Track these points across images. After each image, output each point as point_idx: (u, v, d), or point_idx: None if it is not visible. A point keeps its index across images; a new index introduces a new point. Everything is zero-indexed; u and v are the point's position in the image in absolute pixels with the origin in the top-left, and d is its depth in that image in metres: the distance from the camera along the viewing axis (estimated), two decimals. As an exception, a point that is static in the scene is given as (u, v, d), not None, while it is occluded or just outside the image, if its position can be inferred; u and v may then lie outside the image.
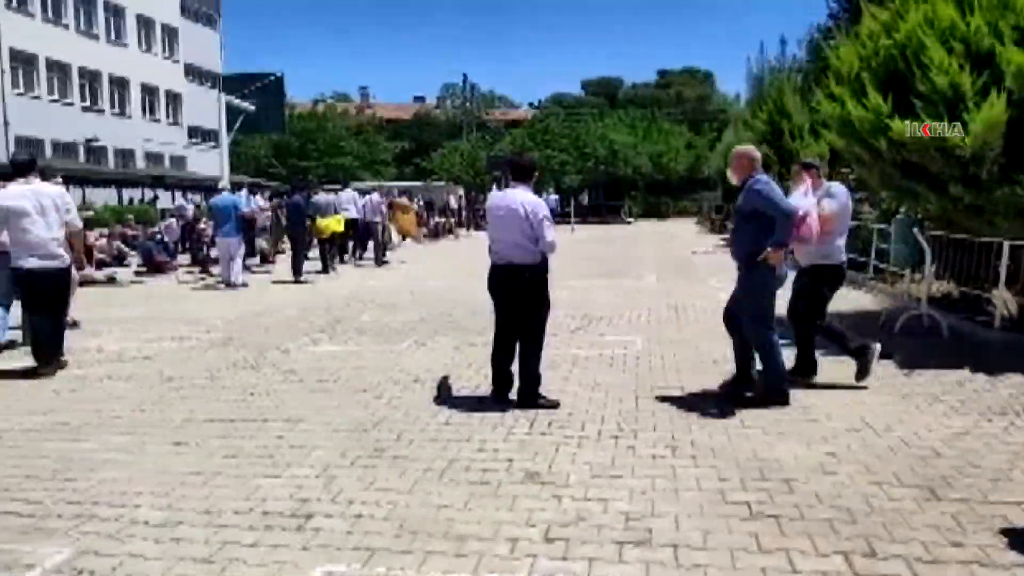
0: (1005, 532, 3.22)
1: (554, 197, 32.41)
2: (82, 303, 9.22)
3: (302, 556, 3.08)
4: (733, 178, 5.36)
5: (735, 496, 3.64)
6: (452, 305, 9.93)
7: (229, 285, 12.47)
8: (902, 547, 3.11)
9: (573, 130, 47.29)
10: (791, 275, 5.57)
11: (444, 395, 5.54)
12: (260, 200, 17.86)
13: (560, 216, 29.61)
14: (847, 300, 10.21)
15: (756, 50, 54.95)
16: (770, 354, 5.15)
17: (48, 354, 6.40)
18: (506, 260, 5.10)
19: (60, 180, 6.98)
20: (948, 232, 7.94)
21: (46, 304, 6.40)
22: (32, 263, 6.31)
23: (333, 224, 14.71)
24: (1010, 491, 3.65)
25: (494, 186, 30.71)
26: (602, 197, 43.50)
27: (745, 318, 5.27)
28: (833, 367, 5.89)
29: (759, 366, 5.29)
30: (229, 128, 12.80)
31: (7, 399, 5.54)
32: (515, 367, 5.27)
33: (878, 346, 5.54)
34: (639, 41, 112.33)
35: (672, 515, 3.44)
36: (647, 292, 11.21)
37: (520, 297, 5.11)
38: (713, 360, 6.55)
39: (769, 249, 4.96)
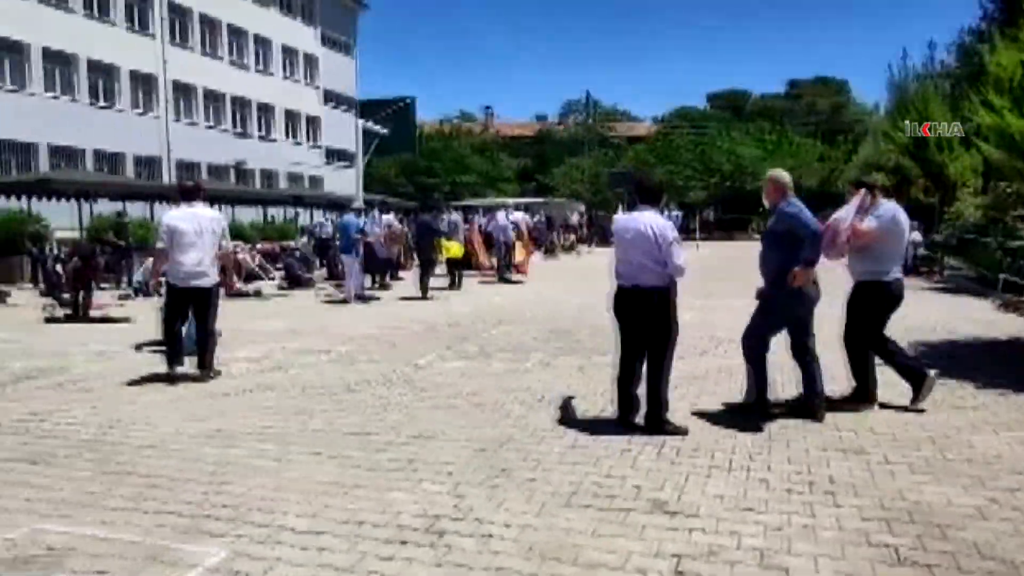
0: None
1: (677, 213, 31.75)
2: (231, 315, 9.94)
3: (435, 572, 3.18)
4: (765, 202, 5.52)
5: (880, 539, 3.43)
6: (575, 323, 9.94)
7: (353, 299, 13.19)
8: (1077, 608, 2.83)
9: (698, 144, 46.32)
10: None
11: (569, 416, 5.55)
12: (390, 218, 18.58)
13: (685, 233, 29.09)
14: (1003, 325, 9.41)
15: (897, 56, 51.65)
16: (759, 371, 5.49)
17: (201, 363, 6.96)
18: (633, 283, 5.07)
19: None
20: None
21: (196, 317, 6.97)
22: (186, 281, 6.92)
23: (454, 250, 15.31)
24: None
25: (619, 206, 30.60)
26: (728, 213, 42.25)
27: (751, 327, 5.54)
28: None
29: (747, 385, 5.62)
30: (364, 151, 13.51)
31: (170, 406, 6.05)
32: (641, 390, 5.22)
33: (933, 374, 5.61)
34: (767, 51, 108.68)
35: (810, 555, 3.29)
36: (778, 314, 10.78)
37: (647, 321, 5.06)
38: (852, 386, 6.21)
39: (797, 268, 5.07)
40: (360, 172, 15.16)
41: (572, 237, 31.53)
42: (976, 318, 10.07)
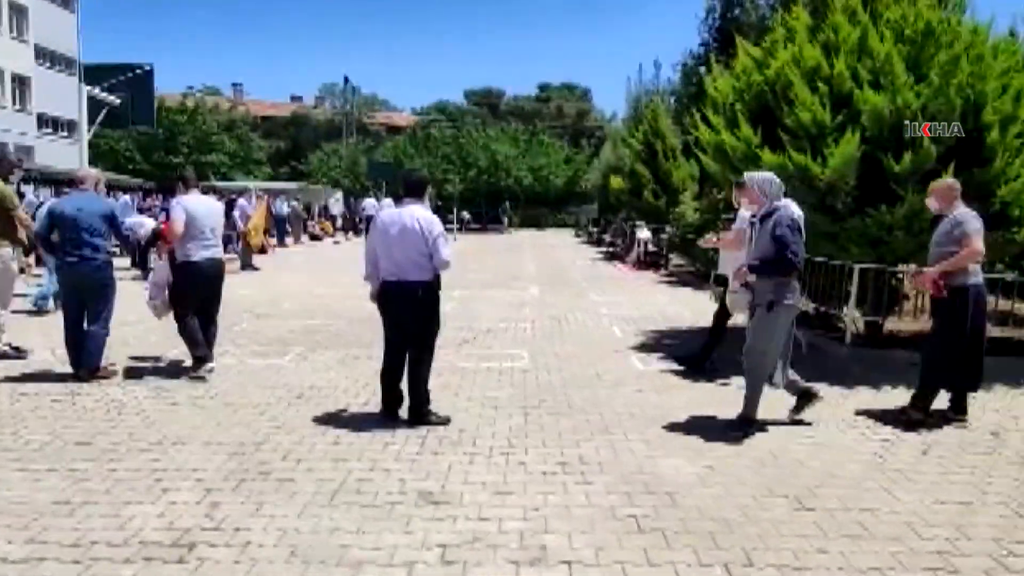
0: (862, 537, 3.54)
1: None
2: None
3: (186, 590, 2.92)
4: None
5: (624, 511, 3.78)
6: (334, 315, 9.70)
7: None
8: (775, 555, 3.34)
9: (456, 139, 47.45)
10: None
11: (330, 412, 5.40)
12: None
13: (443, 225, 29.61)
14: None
15: (635, 70, 57.52)
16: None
17: None
18: (399, 277, 5.04)
19: None
20: (807, 256, 8.57)
21: None
22: None
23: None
24: (864, 499, 4.00)
25: (373, 197, 30.20)
26: (484, 207, 43.88)
27: None
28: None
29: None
30: (91, 121, 11.80)
31: None
32: (404, 383, 5.22)
33: None
34: (521, 53, 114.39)
35: (565, 532, 3.52)
36: (531, 304, 11.41)
37: (413, 315, 5.07)
38: (596, 373, 6.77)
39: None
40: (84, 145, 13.19)
41: (331, 225, 30.71)
42: (695, 308, 11.45)
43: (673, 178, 20.46)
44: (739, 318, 6.26)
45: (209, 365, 6.38)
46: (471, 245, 26.51)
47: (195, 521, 3.52)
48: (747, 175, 5.42)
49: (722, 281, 6.85)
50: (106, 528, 3.42)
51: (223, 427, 4.99)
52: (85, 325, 6.20)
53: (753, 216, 5.32)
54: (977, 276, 5.41)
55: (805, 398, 5.38)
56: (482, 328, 9.07)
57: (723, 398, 5.99)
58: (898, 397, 5.89)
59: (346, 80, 57.51)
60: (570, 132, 59.56)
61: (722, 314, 6.89)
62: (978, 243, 5.24)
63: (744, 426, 5.15)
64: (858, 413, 5.63)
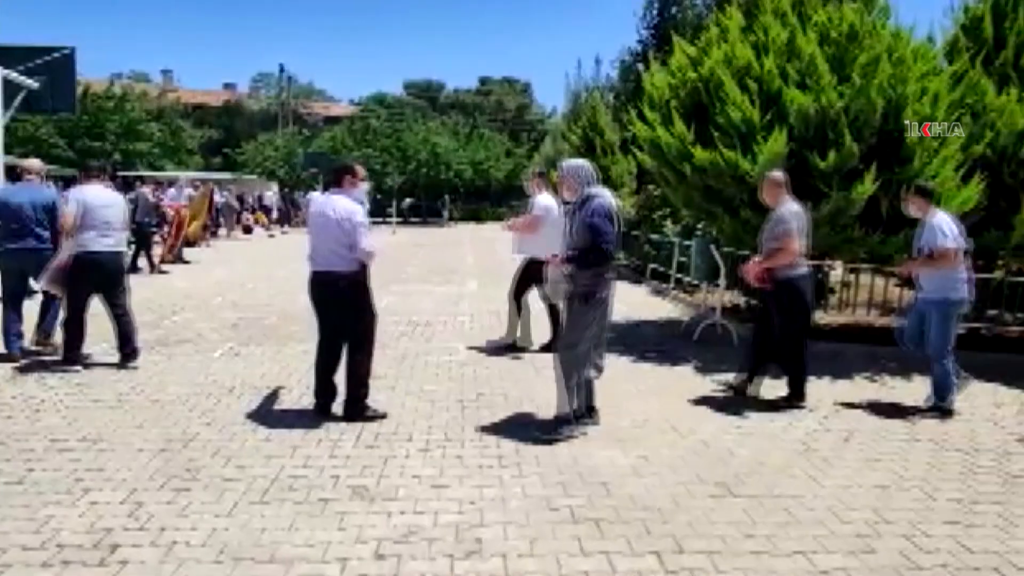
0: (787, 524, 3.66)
1: (361, 197, 31.85)
2: None
3: (107, 594, 2.82)
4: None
5: (559, 502, 3.81)
6: (267, 310, 9.48)
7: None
8: (705, 542, 3.42)
9: (395, 131, 46.90)
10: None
11: (263, 407, 5.28)
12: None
13: (381, 217, 29.33)
14: (652, 307, 11.02)
15: (574, 66, 58.00)
16: None
17: None
18: (323, 268, 4.95)
19: None
20: (738, 249, 8.81)
21: None
22: None
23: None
24: (790, 485, 4.14)
25: (318, 190, 29.65)
26: (425, 200, 43.56)
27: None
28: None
29: None
30: (7, 105, 11.13)
31: None
32: (339, 377, 5.15)
33: None
34: (460, 46, 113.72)
35: (500, 524, 3.54)
36: (469, 298, 11.39)
37: (339, 306, 4.98)
38: (533, 367, 6.81)
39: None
40: (0, 129, 12.49)
41: (266, 217, 29.98)
42: (632, 301, 11.64)
43: (611, 173, 20.70)
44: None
45: (77, 367, 6.24)
46: (410, 238, 26.29)
47: (118, 522, 3.40)
48: (560, 163, 5.17)
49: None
50: (21, 531, 3.27)
51: (149, 424, 4.83)
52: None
53: (567, 204, 5.14)
54: (800, 268, 5.58)
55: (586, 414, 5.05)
56: (420, 322, 9.01)
57: (662, 387, 6.10)
58: (823, 387, 6.12)
59: (281, 69, 56.16)
60: (510, 126, 59.53)
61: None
62: (794, 244, 5.42)
63: (561, 427, 4.81)
64: (785, 403, 5.81)
